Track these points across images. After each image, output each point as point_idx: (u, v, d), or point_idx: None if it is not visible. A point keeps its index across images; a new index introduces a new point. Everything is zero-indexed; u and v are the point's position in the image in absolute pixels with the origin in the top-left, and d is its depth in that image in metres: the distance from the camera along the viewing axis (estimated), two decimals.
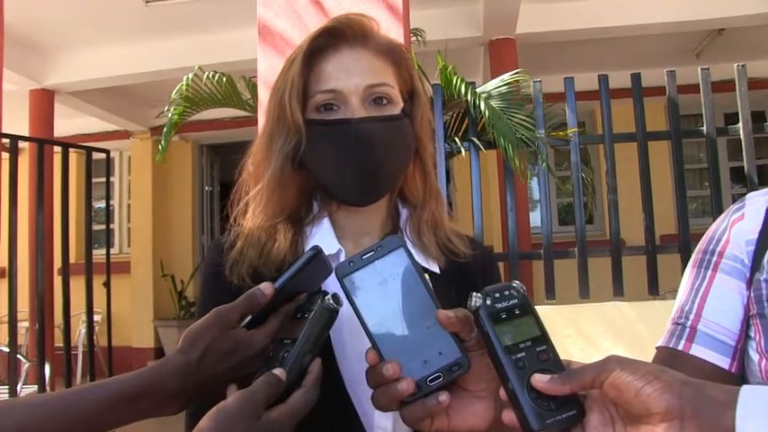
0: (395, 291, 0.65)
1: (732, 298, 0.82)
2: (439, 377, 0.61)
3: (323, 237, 0.84)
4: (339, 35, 0.83)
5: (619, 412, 0.54)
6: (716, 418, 0.49)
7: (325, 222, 0.85)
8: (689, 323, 0.83)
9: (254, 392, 0.61)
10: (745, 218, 0.84)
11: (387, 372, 0.61)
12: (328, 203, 0.87)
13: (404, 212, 0.90)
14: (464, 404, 0.64)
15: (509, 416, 0.57)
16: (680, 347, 0.82)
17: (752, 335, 0.80)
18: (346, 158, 0.80)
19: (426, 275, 0.67)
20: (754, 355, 0.79)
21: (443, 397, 0.61)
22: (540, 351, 0.57)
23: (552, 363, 0.57)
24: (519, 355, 0.57)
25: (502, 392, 0.57)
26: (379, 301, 0.64)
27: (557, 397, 0.55)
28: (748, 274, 0.81)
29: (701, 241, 0.90)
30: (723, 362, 0.80)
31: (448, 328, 0.63)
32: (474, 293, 0.60)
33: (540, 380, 0.55)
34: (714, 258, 0.85)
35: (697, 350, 0.81)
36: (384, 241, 0.67)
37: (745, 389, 0.50)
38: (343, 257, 0.81)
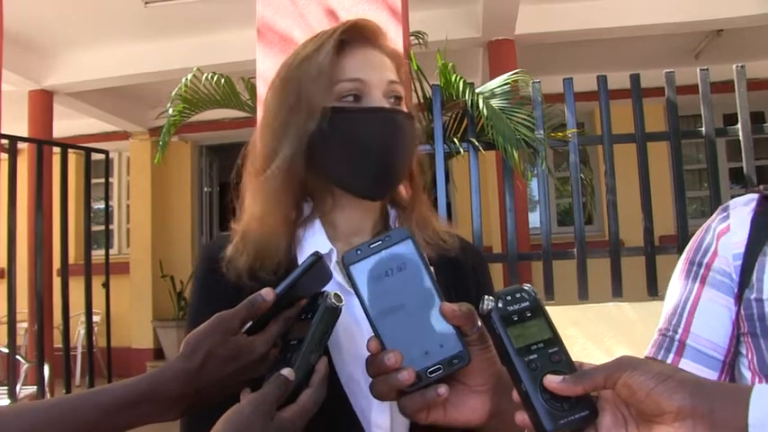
0: (400, 281, 0.65)
1: (720, 313, 0.82)
2: (439, 369, 0.62)
3: (314, 238, 0.84)
4: (360, 33, 0.85)
5: (631, 412, 0.54)
6: (728, 418, 0.49)
7: (317, 224, 0.85)
8: (677, 337, 0.84)
9: (266, 394, 0.62)
10: (731, 230, 0.84)
11: (388, 361, 0.61)
12: (322, 203, 0.86)
13: (392, 213, 0.91)
14: (461, 398, 0.65)
15: (522, 417, 0.57)
16: (668, 360, 0.83)
17: (743, 352, 0.81)
18: (372, 147, 0.81)
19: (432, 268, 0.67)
20: (747, 373, 0.80)
21: (442, 389, 0.62)
22: (552, 353, 0.58)
23: (564, 364, 0.57)
24: (531, 357, 0.57)
25: (515, 394, 0.58)
26: (383, 290, 0.65)
27: (569, 398, 0.55)
28: (736, 290, 0.82)
29: (687, 250, 0.90)
30: (711, 376, 0.81)
31: (451, 321, 0.63)
32: (486, 296, 0.61)
33: (552, 381, 0.55)
34: (702, 271, 0.85)
35: (685, 364, 0.82)
36: (392, 232, 0.68)
37: (757, 388, 0.50)
38: (335, 257, 0.82)
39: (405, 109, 0.86)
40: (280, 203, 0.83)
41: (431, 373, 0.62)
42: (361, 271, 0.65)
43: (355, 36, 0.84)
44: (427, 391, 0.62)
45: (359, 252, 0.66)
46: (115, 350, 4.28)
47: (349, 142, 0.81)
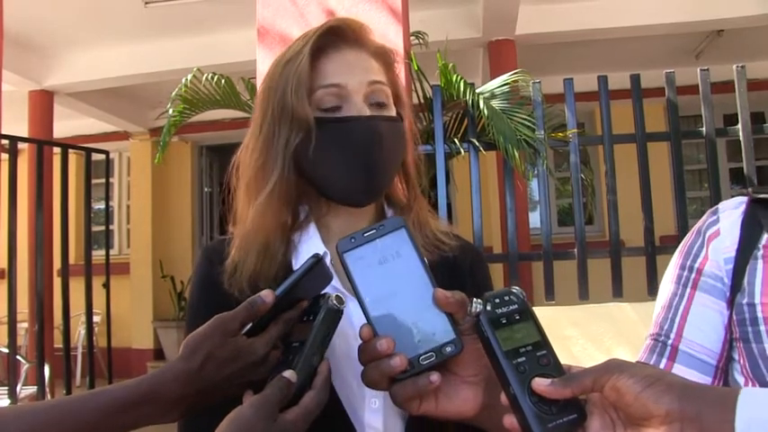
0: (394, 269, 0.65)
1: (712, 317, 0.82)
2: (431, 356, 0.62)
3: (309, 242, 0.84)
4: (340, 34, 0.83)
5: (619, 416, 0.54)
6: (716, 421, 0.49)
7: (312, 228, 0.85)
8: (670, 342, 0.84)
9: (268, 396, 0.62)
10: (721, 234, 0.84)
11: (380, 347, 0.61)
12: (317, 208, 0.86)
13: (389, 212, 0.90)
14: (453, 389, 0.65)
15: (510, 420, 0.57)
16: (661, 365, 0.83)
17: (735, 357, 0.81)
18: (353, 156, 0.80)
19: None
20: (740, 378, 0.80)
21: (434, 377, 0.61)
22: (541, 356, 0.58)
23: (553, 367, 0.57)
24: (520, 360, 0.57)
25: (503, 397, 0.58)
26: (377, 278, 0.65)
27: (558, 401, 0.55)
28: (728, 294, 0.81)
29: (677, 254, 0.89)
30: (705, 381, 0.81)
31: (444, 308, 0.63)
32: (474, 299, 0.61)
33: (541, 384, 0.55)
34: (693, 276, 0.85)
35: (678, 369, 0.81)
36: (386, 221, 0.68)
37: (744, 391, 0.50)
38: (329, 260, 0.81)
39: (392, 109, 0.85)
40: (274, 213, 0.82)
41: (423, 360, 0.62)
42: (354, 258, 0.66)
43: (334, 38, 0.83)
44: (419, 379, 0.62)
45: (353, 240, 0.66)
46: (115, 350, 4.28)
47: (330, 152, 0.80)
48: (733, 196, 0.89)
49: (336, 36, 0.83)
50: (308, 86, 0.79)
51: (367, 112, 0.81)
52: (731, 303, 0.81)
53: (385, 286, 0.65)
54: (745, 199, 0.86)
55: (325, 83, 0.80)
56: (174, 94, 3.55)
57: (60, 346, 3.84)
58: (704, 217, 0.88)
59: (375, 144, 0.80)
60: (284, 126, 0.81)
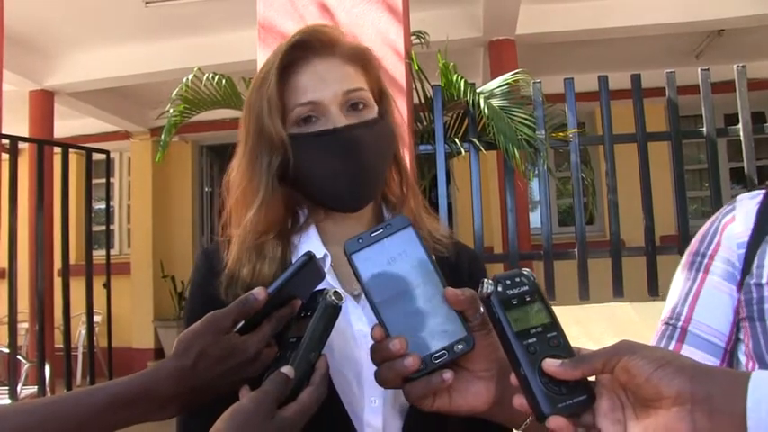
0: (402, 268, 0.65)
1: (722, 300, 0.83)
2: (444, 354, 0.62)
3: (309, 244, 0.84)
4: (308, 47, 0.84)
5: (629, 397, 0.54)
6: (726, 403, 0.49)
7: (312, 230, 0.86)
8: (679, 324, 0.84)
9: (266, 392, 0.62)
10: (736, 220, 0.85)
11: (394, 347, 0.61)
12: (315, 212, 0.87)
13: (388, 215, 0.91)
14: (466, 384, 0.65)
15: (520, 401, 0.57)
16: (670, 347, 0.83)
17: (741, 337, 0.81)
18: (334, 168, 0.81)
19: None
20: (743, 358, 0.80)
21: (447, 375, 0.62)
22: (551, 337, 0.58)
23: (563, 348, 0.57)
24: (530, 341, 0.57)
25: (513, 378, 0.58)
26: (386, 278, 0.65)
27: (567, 382, 0.55)
28: (739, 277, 0.82)
29: (691, 243, 0.91)
30: (713, 362, 0.81)
31: (455, 306, 0.64)
32: (485, 280, 0.61)
33: (551, 364, 0.55)
34: (705, 261, 0.86)
35: (687, 350, 0.82)
36: (393, 220, 0.68)
37: (756, 374, 0.50)
38: (329, 262, 0.82)
39: (372, 109, 0.85)
40: (267, 224, 0.83)
41: (435, 358, 0.62)
42: (363, 259, 0.65)
43: (304, 50, 0.83)
44: (432, 377, 0.62)
45: (360, 240, 0.66)
46: (116, 350, 4.28)
47: (314, 166, 0.81)
48: (733, 196, 0.90)
49: (305, 49, 0.83)
50: (279, 107, 0.81)
51: (344, 121, 0.81)
52: (741, 286, 0.82)
53: (394, 286, 0.65)
54: (762, 191, 0.87)
55: (300, 101, 0.81)
56: (174, 93, 3.55)
57: (61, 345, 3.85)
58: (722, 208, 0.90)
59: (353, 151, 0.81)
60: (264, 148, 0.82)
